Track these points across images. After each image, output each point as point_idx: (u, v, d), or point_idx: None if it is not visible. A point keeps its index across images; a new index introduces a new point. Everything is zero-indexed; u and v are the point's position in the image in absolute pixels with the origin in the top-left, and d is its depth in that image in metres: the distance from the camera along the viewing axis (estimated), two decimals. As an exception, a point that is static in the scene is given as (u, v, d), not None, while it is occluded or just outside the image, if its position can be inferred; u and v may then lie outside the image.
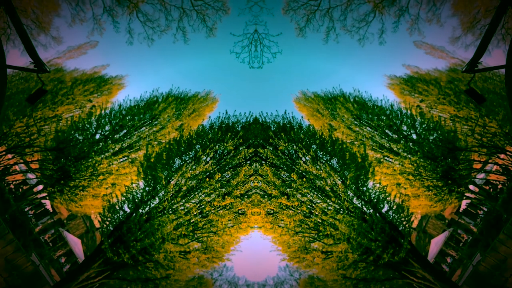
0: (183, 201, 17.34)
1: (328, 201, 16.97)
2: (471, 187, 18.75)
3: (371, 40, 21.05)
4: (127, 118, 20.44)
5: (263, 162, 18.48)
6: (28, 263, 14.74)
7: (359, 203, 16.84)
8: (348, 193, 16.90)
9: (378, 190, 17.00)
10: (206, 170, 17.53)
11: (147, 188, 17.58)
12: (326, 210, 16.85)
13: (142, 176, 17.68)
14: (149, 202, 17.31)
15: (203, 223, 17.68)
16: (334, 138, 18.37)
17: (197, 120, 25.03)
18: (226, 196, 17.29)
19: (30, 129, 19.22)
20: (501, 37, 15.96)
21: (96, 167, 18.81)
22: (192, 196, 17.46)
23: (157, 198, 17.45)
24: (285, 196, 17.12)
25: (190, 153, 18.29)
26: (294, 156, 18.22)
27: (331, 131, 20.68)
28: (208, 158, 17.92)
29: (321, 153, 18.20)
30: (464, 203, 20.84)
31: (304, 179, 17.04)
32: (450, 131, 18.08)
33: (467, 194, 18.41)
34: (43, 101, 19.78)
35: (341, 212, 16.66)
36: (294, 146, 18.01)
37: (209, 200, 17.39)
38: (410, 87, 24.65)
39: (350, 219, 16.05)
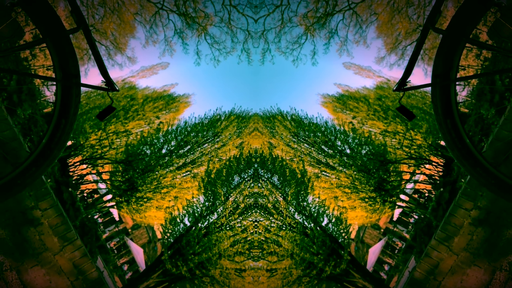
0: (241, 218, 17.99)
1: (270, 218, 17.76)
2: (402, 196, 19.44)
3: (304, 61, 22.29)
4: (192, 134, 21.73)
5: None
6: (93, 269, 15.94)
7: (300, 218, 17.62)
8: (290, 209, 17.74)
9: (317, 204, 17.84)
10: (264, 189, 18.14)
11: (206, 203, 18.48)
12: (269, 227, 17.64)
13: (202, 191, 18.67)
14: (208, 217, 18.15)
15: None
16: (274, 156, 19.46)
17: (257, 139, 25.89)
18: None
19: (103, 142, 21.13)
20: (420, 57, 17.81)
21: (161, 180, 20.09)
22: (249, 213, 18.07)
23: (215, 213, 18.26)
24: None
25: (249, 171, 19.06)
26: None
27: (271, 149, 21.49)
28: (266, 177, 18.54)
29: (262, 171, 19.23)
30: (397, 212, 21.55)
31: None
32: (381, 145, 18.86)
33: (399, 203, 19.16)
34: (116, 116, 21.72)
35: (284, 228, 17.41)
36: None
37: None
38: (342, 105, 25.54)
39: (293, 234, 16.84)
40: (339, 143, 20.33)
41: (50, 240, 13.71)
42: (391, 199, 18.23)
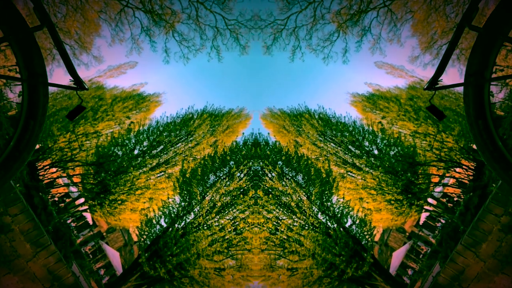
0: (218, 217, 18.02)
1: (293, 217, 17.58)
2: (429, 200, 19.28)
3: (335, 59, 22.17)
4: (164, 134, 21.56)
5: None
6: (68, 274, 15.66)
7: (323, 218, 17.49)
8: (313, 208, 17.57)
9: (341, 205, 17.69)
10: (240, 186, 18.19)
11: (182, 203, 18.41)
12: (291, 226, 17.50)
13: (178, 191, 18.57)
14: (184, 217, 18.09)
15: (237, 240, 18.27)
16: (299, 154, 19.20)
17: (231, 136, 25.93)
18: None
19: (72, 144, 20.67)
20: (455, 57, 17.59)
21: (134, 182, 19.89)
22: (226, 212, 18.13)
23: (192, 213, 18.22)
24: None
25: (224, 169, 19.06)
26: (260, 172, 18.95)
27: (297, 147, 21.44)
28: (242, 175, 18.59)
29: (287, 169, 19.00)
30: (424, 216, 21.48)
31: (270, 195, 17.84)
32: (410, 146, 18.76)
33: (426, 207, 18.95)
34: (84, 117, 21.27)
35: (306, 228, 17.25)
36: (260, 163, 18.81)
37: (243, 217, 17.98)
38: (372, 104, 25.60)
39: (315, 234, 16.65)
40: (367, 143, 20.31)
41: (22, 246, 13.42)
42: (418, 203, 18.01)
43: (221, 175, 18.98)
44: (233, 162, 19.13)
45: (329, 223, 17.22)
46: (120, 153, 20.29)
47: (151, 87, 27.15)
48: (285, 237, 17.69)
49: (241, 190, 18.31)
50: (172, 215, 18.21)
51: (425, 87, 6.89)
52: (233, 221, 18.02)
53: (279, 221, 17.81)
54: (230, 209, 18.09)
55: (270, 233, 17.94)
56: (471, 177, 17.22)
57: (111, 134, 21.01)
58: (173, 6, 18.40)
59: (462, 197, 17.67)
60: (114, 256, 23.67)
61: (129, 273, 17.30)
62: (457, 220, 15.98)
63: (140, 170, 20.18)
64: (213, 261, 18.07)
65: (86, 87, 9.42)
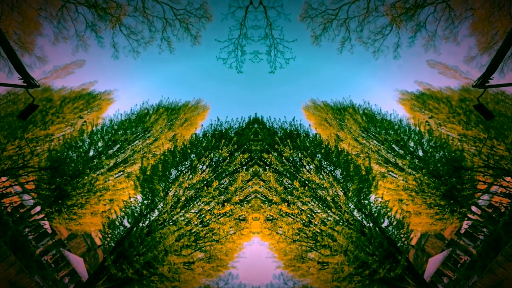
0: (183, 211, 18.00)
1: (328, 211, 17.41)
2: (473, 208, 19.05)
3: (385, 54, 21.84)
4: (119, 132, 21.15)
5: (267, 167, 19.03)
6: (32, 283, 15.22)
7: (359, 216, 17.27)
8: (349, 205, 17.34)
9: (379, 205, 17.44)
10: (203, 178, 18.22)
11: (145, 202, 18.21)
12: (325, 220, 17.31)
13: (139, 189, 18.33)
14: (148, 215, 17.94)
15: (204, 232, 18.35)
16: (340, 149, 18.85)
17: (189, 129, 25.74)
18: (225, 203, 17.92)
19: (22, 151, 19.87)
20: None
21: (93, 184, 19.46)
22: (191, 206, 18.13)
23: (156, 210, 18.07)
24: (286, 203, 17.61)
25: (186, 163, 18.97)
26: (298, 163, 18.73)
27: (337, 141, 20.92)
28: (204, 167, 18.62)
29: (325, 162, 18.71)
30: (466, 224, 21.09)
31: (306, 187, 17.56)
32: (457, 150, 18.47)
33: (469, 216, 18.67)
34: (33, 122, 20.46)
35: (341, 223, 17.08)
36: (299, 154, 18.56)
37: (208, 208, 18.04)
38: (421, 104, 25.30)
39: (349, 231, 16.47)
40: (412, 144, 20.05)
41: (-21, 259, 12.95)
42: (461, 210, 17.69)
43: (183, 169, 18.90)
44: (194, 155, 19.04)
45: (364, 222, 17.05)
46: (74, 156, 19.74)
47: (102, 85, 26.42)
48: (318, 231, 17.57)
49: (205, 182, 18.33)
50: (135, 214, 17.98)
51: (474, 83, 6.81)
52: (199, 214, 18.05)
53: (313, 214, 17.63)
54: (195, 202, 18.09)
55: (304, 224, 17.82)
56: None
57: (63, 137, 20.35)
58: (117, -1, 17.99)
59: (509, 207, 17.43)
60: (78, 263, 23.15)
61: (96, 278, 16.97)
62: (500, 230, 15.83)
63: (98, 172, 19.76)
64: (181, 256, 18.09)
65: (37, 84, 9.11)
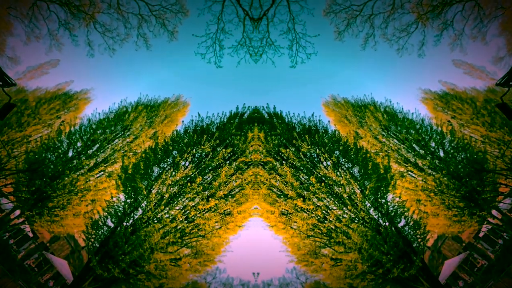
0: (167, 208, 17.98)
1: (344, 208, 17.38)
2: (494, 212, 18.91)
3: (410, 51, 21.79)
4: (98, 132, 20.90)
5: (283, 162, 18.97)
6: (17, 287, 15.01)
7: (375, 215, 17.22)
8: (366, 203, 17.36)
9: (396, 204, 17.38)
10: (186, 175, 18.22)
11: (128, 200, 18.08)
12: (341, 217, 17.31)
13: (121, 188, 18.17)
14: (132, 214, 17.85)
15: (190, 228, 18.41)
16: (358, 146, 18.82)
17: (170, 126, 25.59)
18: (210, 199, 17.99)
19: (-1, 154, 19.46)
20: None
21: (74, 185, 19.24)
22: (175, 202, 18.12)
23: (140, 209, 17.99)
24: (301, 198, 17.65)
25: (168, 160, 18.91)
26: (316, 159, 18.74)
27: (356, 139, 20.87)
28: (187, 163, 18.61)
29: (343, 159, 18.72)
30: (485, 227, 20.90)
31: (323, 183, 17.59)
32: (480, 152, 18.34)
33: (489, 219, 18.54)
34: (7, 124, 20.03)
35: (356, 221, 17.05)
36: (317, 150, 18.54)
37: (193, 204, 18.08)
38: (444, 104, 25.20)
39: (364, 229, 16.48)
40: (433, 144, 19.84)
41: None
42: (480, 213, 17.41)
43: (165, 166, 18.85)
44: (176, 152, 18.99)
45: (380, 220, 16.95)
46: (53, 157, 19.43)
47: (78, 84, 26.08)
48: (333, 227, 17.56)
49: (188, 178, 18.34)
50: (119, 213, 17.87)
51: (497, 81, 6.72)
52: (183, 210, 18.08)
53: (328, 210, 17.59)
54: (179, 199, 18.09)
55: (318, 220, 17.82)
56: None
57: (40, 138, 19.99)
58: (90, -5, 17.64)
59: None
60: (62, 265, 22.91)
61: (81, 279, 16.86)
62: (519, 233, 15.41)
63: (78, 172, 19.54)
64: (168, 253, 18.12)
65: (13, 82, 8.91)
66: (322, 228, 17.85)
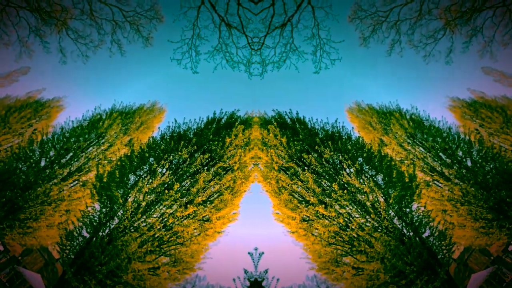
0: (144, 217, 17.80)
1: (367, 217, 17.25)
2: None
3: (437, 58, 21.62)
4: (72, 140, 20.53)
5: (305, 168, 18.85)
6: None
7: (399, 224, 17.02)
8: (390, 212, 17.12)
9: (421, 214, 17.15)
10: (163, 182, 18.10)
11: (104, 210, 17.82)
12: (363, 225, 17.14)
13: (96, 198, 17.90)
14: (108, 224, 17.58)
15: (168, 236, 18.25)
16: (383, 154, 18.71)
17: (146, 132, 25.40)
18: (188, 205, 17.92)
19: (-35, 165, 18.84)
20: None
21: (47, 195, 18.82)
22: (153, 210, 17.96)
23: (116, 218, 17.74)
24: (323, 205, 17.55)
25: (144, 167, 18.75)
26: (338, 166, 18.61)
27: (381, 146, 20.67)
28: (164, 170, 18.49)
29: (367, 167, 18.64)
30: None
31: (346, 191, 17.44)
32: (510, 162, 18.18)
33: None
34: (-25, 134, 19.47)
35: (379, 230, 16.89)
36: (340, 156, 18.45)
37: (171, 211, 17.96)
38: (472, 112, 24.91)
39: (388, 238, 16.29)
40: (460, 153, 19.48)
41: None
42: (510, 226, 16.99)
43: (141, 174, 18.66)
44: (153, 159, 18.83)
45: (404, 230, 16.71)
46: (25, 167, 18.96)
47: (50, 92, 25.45)
48: (355, 235, 17.30)
49: (166, 185, 18.21)
50: (94, 223, 17.56)
51: None
52: (161, 218, 17.92)
53: (351, 218, 17.34)
54: (157, 207, 17.93)
55: (340, 228, 17.59)
56: None
57: (10, 148, 19.49)
58: (62, 1, 17.38)
59: None
60: (36, 279, 22.23)
61: (56, 292, 16.45)
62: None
63: (51, 182, 19.10)
64: (146, 262, 17.89)
65: None
66: (344, 236, 17.71)
